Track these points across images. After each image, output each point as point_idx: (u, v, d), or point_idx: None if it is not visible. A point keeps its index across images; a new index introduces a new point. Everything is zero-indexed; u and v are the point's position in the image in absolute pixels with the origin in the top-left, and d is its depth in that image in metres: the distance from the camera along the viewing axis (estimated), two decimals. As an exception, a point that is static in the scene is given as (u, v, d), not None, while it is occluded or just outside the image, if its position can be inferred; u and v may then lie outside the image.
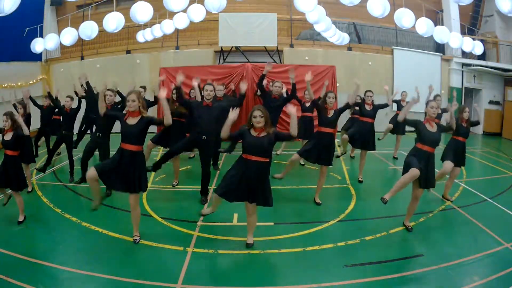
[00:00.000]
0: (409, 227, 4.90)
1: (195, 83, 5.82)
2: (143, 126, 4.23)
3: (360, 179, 7.05)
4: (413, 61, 13.24)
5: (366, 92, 6.97)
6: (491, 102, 13.61)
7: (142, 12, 6.73)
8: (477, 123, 6.15)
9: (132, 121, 4.24)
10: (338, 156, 6.48)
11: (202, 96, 5.54)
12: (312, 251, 4.31)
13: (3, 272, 3.67)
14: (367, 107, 6.90)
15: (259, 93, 7.32)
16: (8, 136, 4.89)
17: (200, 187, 5.84)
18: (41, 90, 12.40)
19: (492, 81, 13.64)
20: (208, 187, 5.93)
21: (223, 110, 5.23)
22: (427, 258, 4.12)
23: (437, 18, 12.59)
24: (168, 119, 4.18)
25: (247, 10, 12.63)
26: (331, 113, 5.69)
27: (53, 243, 4.52)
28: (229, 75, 10.99)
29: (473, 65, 13.35)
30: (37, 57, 11.68)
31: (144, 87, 8.57)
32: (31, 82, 11.96)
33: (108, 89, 6.11)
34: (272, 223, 5.04)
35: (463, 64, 13.54)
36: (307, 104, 7.63)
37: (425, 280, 3.76)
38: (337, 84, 11.80)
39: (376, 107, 6.93)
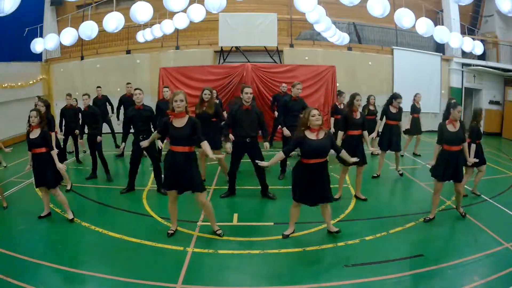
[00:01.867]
0: (427, 218, 5.13)
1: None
2: (191, 128, 4.20)
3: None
4: (413, 61, 13.23)
5: (396, 98, 7.13)
6: (491, 102, 13.60)
7: (142, 12, 6.74)
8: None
9: (179, 123, 4.20)
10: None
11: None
12: (312, 251, 4.30)
13: (3, 272, 3.67)
14: (393, 110, 7.18)
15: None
16: (35, 134, 4.84)
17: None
18: (41, 90, 12.42)
19: (492, 81, 13.63)
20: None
21: (259, 114, 5.89)
22: (427, 258, 4.11)
23: (437, 18, 12.58)
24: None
25: (247, 10, 12.63)
26: (357, 115, 5.77)
27: (53, 243, 4.52)
28: (229, 75, 10.99)
29: (473, 65, 13.34)
30: (37, 57, 11.67)
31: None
32: (31, 82, 11.97)
33: (136, 88, 6.12)
34: (272, 223, 5.03)
35: (463, 64, 13.53)
36: (341, 106, 8.19)
37: (425, 280, 3.76)
38: (337, 84, 11.79)
39: (400, 111, 7.27)
